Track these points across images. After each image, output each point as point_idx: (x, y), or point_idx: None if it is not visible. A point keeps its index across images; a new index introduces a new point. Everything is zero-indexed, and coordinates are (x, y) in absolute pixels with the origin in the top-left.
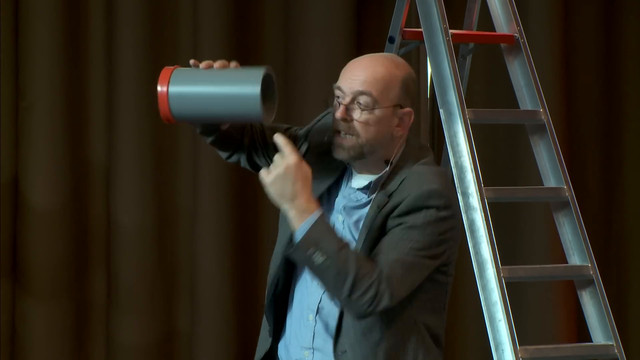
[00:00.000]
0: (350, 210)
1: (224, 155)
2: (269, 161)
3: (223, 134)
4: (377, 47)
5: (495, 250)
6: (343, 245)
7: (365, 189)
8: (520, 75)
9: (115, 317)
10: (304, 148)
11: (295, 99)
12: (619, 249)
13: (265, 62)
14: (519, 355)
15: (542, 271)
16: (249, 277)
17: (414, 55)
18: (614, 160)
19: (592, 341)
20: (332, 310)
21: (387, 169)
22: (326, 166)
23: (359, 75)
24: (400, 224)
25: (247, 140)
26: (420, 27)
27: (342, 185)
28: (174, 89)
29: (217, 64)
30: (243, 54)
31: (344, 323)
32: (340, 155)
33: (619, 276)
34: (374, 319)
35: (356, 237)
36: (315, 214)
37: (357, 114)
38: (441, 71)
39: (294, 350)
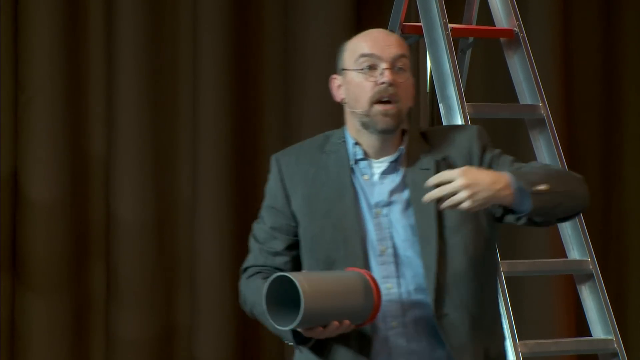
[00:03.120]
0: (394, 194)
1: None
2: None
3: None
4: None
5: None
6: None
7: (395, 162)
8: (520, 70)
9: (115, 311)
10: (297, 197)
11: (294, 93)
12: (619, 244)
13: (264, 58)
14: (519, 350)
15: (541, 266)
16: None
17: (414, 49)
18: (613, 155)
19: (591, 335)
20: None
21: (407, 135)
22: (331, 184)
23: (391, 41)
24: (490, 164)
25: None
26: (420, 22)
27: (363, 188)
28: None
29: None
30: (242, 48)
31: (443, 285)
32: (388, 124)
33: (619, 270)
34: (476, 277)
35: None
36: (507, 174)
37: (400, 78)
38: (441, 65)
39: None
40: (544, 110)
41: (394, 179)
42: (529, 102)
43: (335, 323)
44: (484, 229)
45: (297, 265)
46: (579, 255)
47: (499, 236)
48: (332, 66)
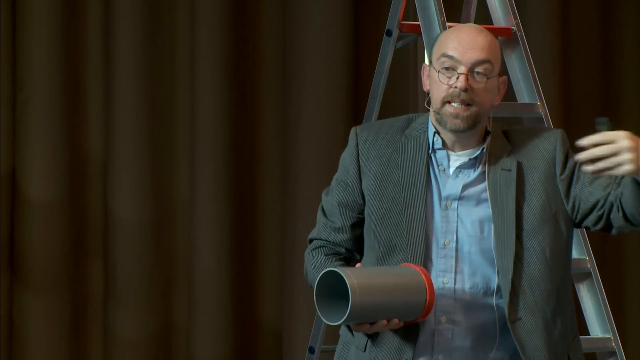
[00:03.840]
0: (467, 189)
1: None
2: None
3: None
4: (375, 41)
5: None
6: None
7: (474, 159)
8: (518, 68)
9: (113, 310)
10: (370, 175)
11: (292, 91)
12: (617, 242)
13: (262, 56)
14: None
15: None
16: (247, 270)
17: (412, 48)
18: None
19: (589, 334)
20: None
21: (489, 137)
22: (409, 167)
23: (476, 44)
24: (573, 170)
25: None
26: (418, 20)
27: (437, 179)
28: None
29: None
30: (240, 47)
31: (518, 288)
32: (457, 125)
33: (617, 269)
34: (551, 282)
35: (488, 210)
36: None
37: (477, 83)
38: None
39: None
40: (542, 109)
41: (470, 174)
42: (527, 101)
43: (384, 322)
44: (562, 233)
45: (359, 244)
46: (577, 254)
47: (572, 243)
48: (330, 63)
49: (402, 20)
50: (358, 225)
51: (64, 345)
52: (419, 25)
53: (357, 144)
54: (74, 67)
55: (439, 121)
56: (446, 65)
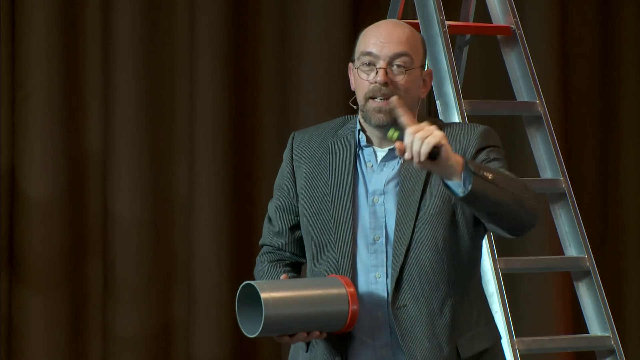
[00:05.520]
0: (389, 182)
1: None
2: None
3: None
4: None
5: (492, 242)
6: (495, 168)
7: (393, 150)
8: (517, 67)
9: (112, 308)
10: (302, 176)
11: (291, 90)
12: (616, 241)
13: (261, 54)
14: (516, 347)
15: (538, 263)
16: (246, 267)
17: None
18: (610, 152)
19: (588, 332)
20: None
21: None
22: (336, 165)
23: (392, 38)
24: (484, 161)
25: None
26: (417, 19)
27: (364, 175)
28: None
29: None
30: (239, 45)
31: (406, 276)
32: (380, 120)
33: (616, 267)
34: (441, 272)
35: (417, 198)
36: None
37: (396, 76)
38: (438, 63)
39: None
40: (541, 108)
41: (394, 167)
42: (526, 99)
43: (303, 334)
44: (459, 225)
45: (301, 247)
46: (576, 252)
47: (479, 237)
48: (329, 61)
49: (401, 19)
50: (297, 227)
51: (63, 343)
52: (417, 23)
53: (292, 147)
54: (73, 65)
55: (365, 118)
56: (366, 61)
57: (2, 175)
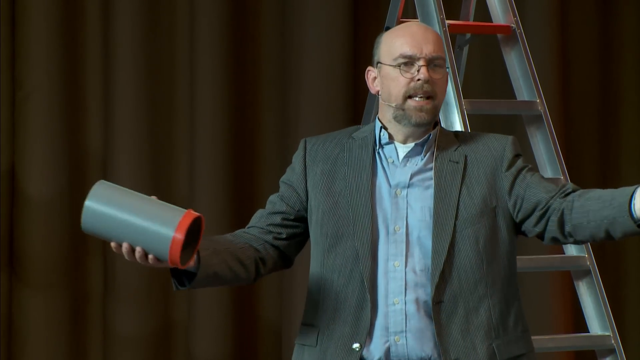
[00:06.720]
0: (415, 176)
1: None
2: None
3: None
4: (374, 39)
5: None
6: None
7: (421, 145)
8: (517, 66)
9: (112, 307)
10: (317, 172)
11: (291, 90)
12: (616, 241)
13: (261, 54)
14: None
15: (539, 262)
16: None
17: None
18: (611, 151)
19: (589, 332)
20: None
21: (439, 126)
22: (356, 160)
23: (428, 39)
24: (520, 170)
25: (270, 252)
26: (417, 18)
27: (385, 170)
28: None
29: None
30: (239, 44)
31: (446, 273)
32: (422, 118)
33: (616, 267)
34: (480, 273)
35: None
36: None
37: (436, 74)
38: None
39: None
40: (542, 107)
41: (417, 162)
42: (527, 99)
43: (127, 245)
44: (500, 227)
45: (269, 237)
46: (577, 252)
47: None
48: (329, 60)
49: (402, 18)
50: (292, 221)
51: (64, 342)
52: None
53: (305, 148)
54: (74, 64)
55: (400, 118)
56: (404, 62)
57: (2, 175)
